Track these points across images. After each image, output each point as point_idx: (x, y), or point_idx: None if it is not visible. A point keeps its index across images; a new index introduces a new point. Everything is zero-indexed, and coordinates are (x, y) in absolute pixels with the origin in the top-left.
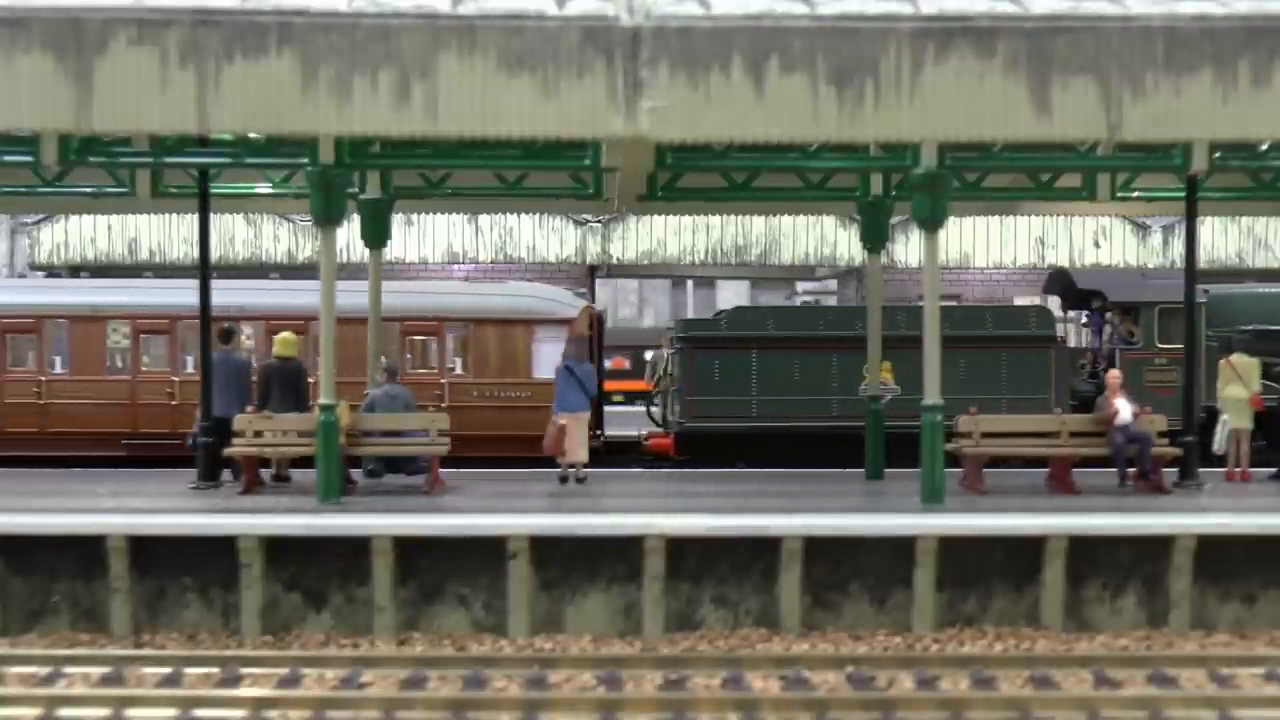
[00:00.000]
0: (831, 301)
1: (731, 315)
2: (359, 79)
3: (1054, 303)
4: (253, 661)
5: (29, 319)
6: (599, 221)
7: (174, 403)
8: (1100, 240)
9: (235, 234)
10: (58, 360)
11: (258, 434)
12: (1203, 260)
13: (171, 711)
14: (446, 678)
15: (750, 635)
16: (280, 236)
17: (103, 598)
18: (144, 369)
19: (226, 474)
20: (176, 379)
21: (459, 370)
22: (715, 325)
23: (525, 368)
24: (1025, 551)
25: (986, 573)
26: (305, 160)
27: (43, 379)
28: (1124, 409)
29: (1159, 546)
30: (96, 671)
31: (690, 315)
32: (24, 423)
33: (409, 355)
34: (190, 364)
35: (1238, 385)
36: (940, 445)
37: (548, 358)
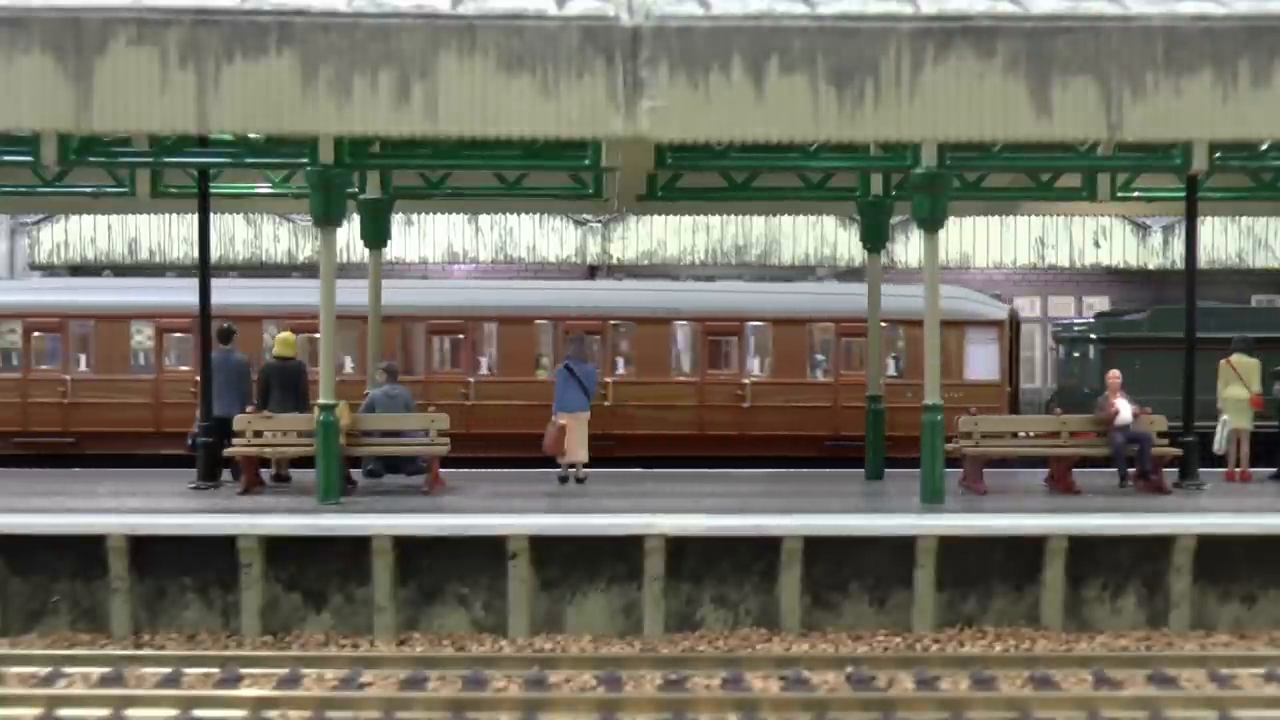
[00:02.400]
0: None
1: (1153, 315)
2: (359, 79)
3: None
4: (253, 661)
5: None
6: (599, 221)
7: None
8: (1100, 240)
9: (235, 234)
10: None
11: (258, 434)
12: (1203, 260)
13: (171, 711)
14: (446, 678)
15: (750, 635)
16: (280, 236)
17: (103, 598)
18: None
19: (226, 474)
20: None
21: (892, 372)
22: (1136, 325)
23: (958, 369)
24: (1025, 551)
25: (986, 573)
26: (305, 160)
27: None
28: (1124, 409)
29: (1159, 546)
30: (96, 671)
31: None
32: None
33: (834, 356)
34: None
35: (1238, 385)
36: (940, 445)
37: (979, 359)
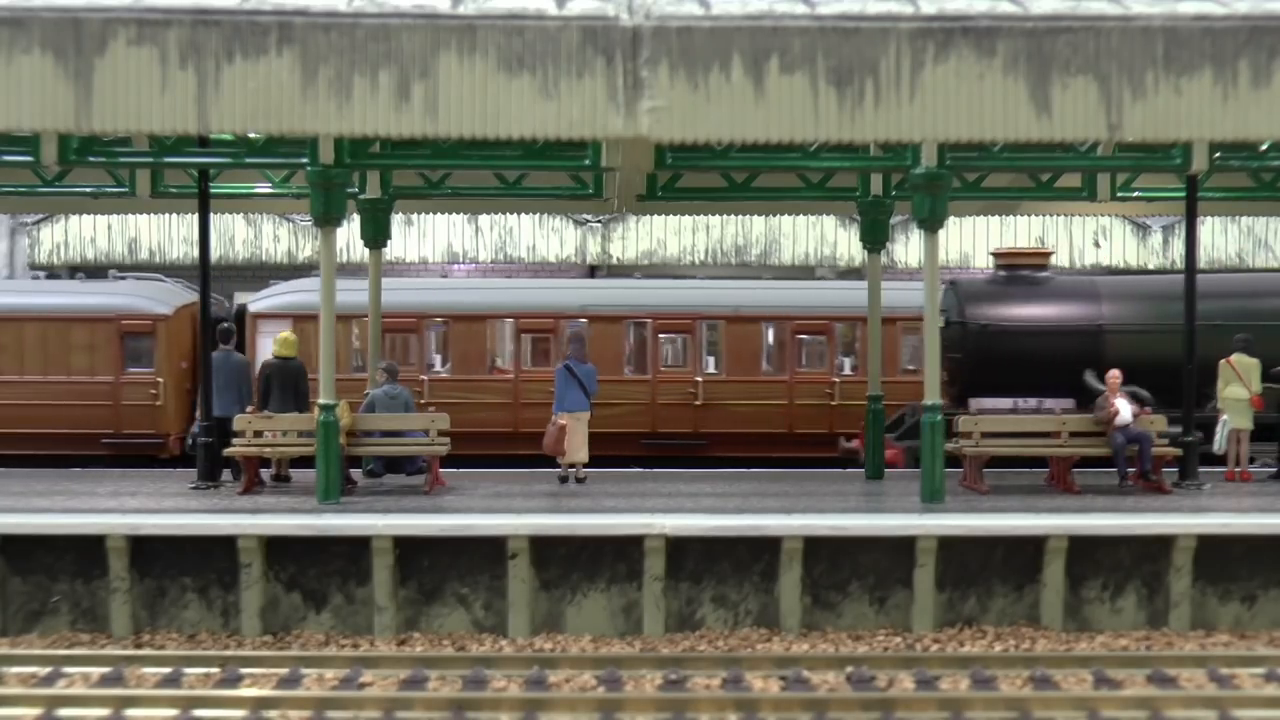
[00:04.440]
0: None
1: None
2: (359, 79)
3: None
4: (253, 661)
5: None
6: (599, 221)
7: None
8: (1100, 240)
9: (235, 234)
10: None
11: (258, 434)
12: (1203, 260)
13: (171, 711)
14: (446, 678)
15: (750, 635)
16: (280, 236)
17: (103, 598)
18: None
19: (226, 474)
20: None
21: None
22: None
23: None
24: (1025, 551)
25: (986, 573)
26: (305, 160)
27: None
28: (1124, 409)
29: (1159, 546)
30: (96, 671)
31: None
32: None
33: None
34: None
35: (1238, 385)
36: (940, 445)
37: None
